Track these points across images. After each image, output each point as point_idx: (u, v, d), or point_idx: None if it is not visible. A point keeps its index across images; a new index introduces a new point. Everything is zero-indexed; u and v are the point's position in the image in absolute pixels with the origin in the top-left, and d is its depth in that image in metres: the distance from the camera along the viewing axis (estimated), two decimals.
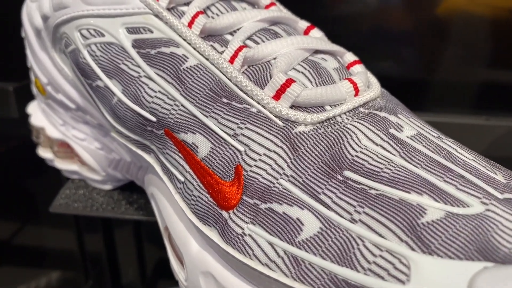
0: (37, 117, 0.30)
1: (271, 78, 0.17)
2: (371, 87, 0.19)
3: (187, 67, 0.18)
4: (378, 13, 0.41)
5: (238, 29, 0.19)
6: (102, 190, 0.28)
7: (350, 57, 0.20)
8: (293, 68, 0.18)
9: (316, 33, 0.21)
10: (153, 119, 0.19)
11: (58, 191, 0.29)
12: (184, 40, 0.19)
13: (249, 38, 0.19)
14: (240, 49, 0.18)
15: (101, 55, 0.20)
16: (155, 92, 0.19)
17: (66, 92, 0.26)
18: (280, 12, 0.20)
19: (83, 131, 0.27)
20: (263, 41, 0.19)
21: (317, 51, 0.19)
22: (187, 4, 0.20)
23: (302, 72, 0.18)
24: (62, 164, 0.29)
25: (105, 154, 0.27)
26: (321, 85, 0.18)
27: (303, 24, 0.21)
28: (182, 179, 0.18)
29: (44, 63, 0.27)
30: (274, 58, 0.18)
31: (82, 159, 0.28)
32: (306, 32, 0.21)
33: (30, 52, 0.28)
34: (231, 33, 0.19)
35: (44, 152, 0.31)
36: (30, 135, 0.36)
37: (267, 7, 0.22)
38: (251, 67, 0.18)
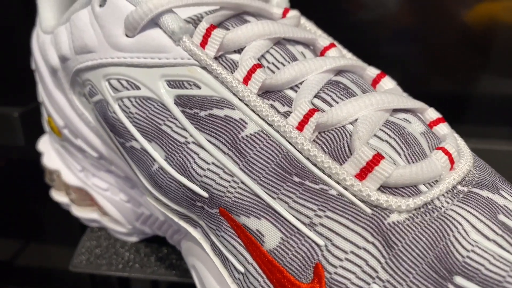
0: (51, 158, 0.27)
1: (350, 150, 0.14)
2: (463, 155, 0.16)
3: (246, 135, 0.15)
4: (404, 21, 0.38)
5: (300, 83, 0.16)
6: (127, 242, 0.25)
7: (432, 114, 0.17)
8: (375, 135, 0.15)
9: (389, 82, 0.18)
10: (205, 195, 0.16)
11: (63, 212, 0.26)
12: (240, 100, 0.16)
13: (316, 95, 0.16)
14: (310, 113, 0.15)
15: (137, 112, 0.17)
16: (208, 164, 0.16)
17: (87, 138, 0.23)
18: (346, 59, 0.17)
19: (106, 180, 0.24)
20: (334, 100, 0.16)
21: (396, 109, 0.16)
22: (239, 51, 0.17)
23: (386, 141, 0.15)
24: (80, 212, 0.26)
25: (133, 207, 0.24)
26: (411, 157, 0.15)
27: (372, 71, 0.18)
28: (241, 269, 0.15)
29: (59, 103, 0.23)
30: (351, 122, 0.15)
31: (104, 210, 0.25)
32: (377, 81, 0.18)
33: (43, 88, 0.25)
34: (292, 88, 0.16)
35: (58, 196, 0.27)
36: (36, 161, 0.33)
37: (326, 49, 0.18)
38: (323, 134, 0.15)
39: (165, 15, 0.17)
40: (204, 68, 0.16)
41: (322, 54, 0.18)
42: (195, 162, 0.16)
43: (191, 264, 0.19)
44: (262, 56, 0.17)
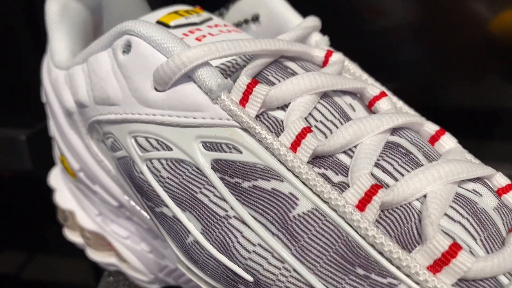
0: (64, 196, 0.25)
1: (419, 234, 0.13)
2: None
3: (298, 215, 0.13)
4: (423, 28, 0.35)
5: (355, 146, 0.14)
6: None
7: (501, 180, 0.15)
8: (446, 214, 0.13)
9: (449, 140, 0.16)
10: (250, 279, 0.14)
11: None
12: (290, 170, 0.14)
13: (376, 163, 0.14)
14: (373, 191, 0.13)
15: (169, 177, 0.15)
16: (254, 245, 0.14)
17: (106, 186, 0.21)
18: (403, 115, 0.15)
19: (126, 228, 0.22)
20: (397, 169, 0.14)
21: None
22: (282, 107, 0.15)
23: (459, 222, 0.13)
24: (97, 256, 0.24)
25: (155, 258, 0.22)
26: (488, 242, 0.13)
27: (431, 127, 0.16)
28: None
29: (74, 146, 0.22)
30: (418, 198, 0.13)
31: (123, 257, 0.23)
32: (436, 139, 0.16)
33: (55, 125, 0.23)
34: (346, 152, 0.14)
35: (72, 236, 0.26)
36: (44, 184, 0.31)
37: (376, 98, 0.16)
38: (387, 213, 0.13)
39: (200, 69, 0.15)
40: (245, 130, 0.14)
41: (371, 104, 0.16)
42: (238, 242, 0.14)
43: None
44: (309, 113, 0.15)
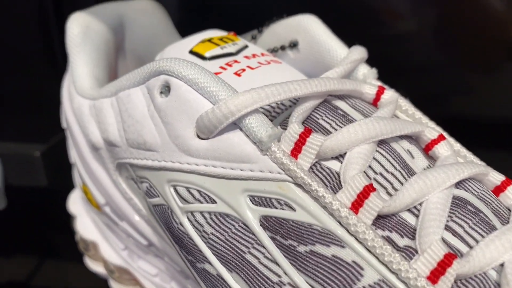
0: (86, 225, 0.24)
1: None
2: None
3: (364, 287, 0.12)
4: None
5: (420, 203, 0.13)
6: None
7: None
8: None
9: None
10: None
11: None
12: (352, 235, 0.12)
13: (447, 227, 0.13)
14: (447, 262, 0.12)
15: (213, 232, 0.14)
16: None
17: (135, 225, 0.20)
18: (469, 165, 0.14)
19: (155, 265, 0.21)
20: (468, 232, 0.13)
21: None
22: (338, 158, 0.14)
23: None
24: None
25: None
26: None
27: (496, 177, 0.15)
28: None
29: (100, 179, 0.20)
30: (495, 268, 0.12)
31: None
32: (502, 189, 0.15)
33: (77, 154, 0.22)
34: (411, 210, 0.13)
35: (95, 266, 0.25)
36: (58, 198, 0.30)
37: (434, 142, 0.15)
38: (459, 284, 0.12)
39: (249, 117, 0.13)
40: (299, 185, 0.13)
41: (428, 148, 0.15)
42: None
43: None
44: (369, 166, 0.14)
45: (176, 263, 0.19)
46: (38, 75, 0.36)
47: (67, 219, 0.27)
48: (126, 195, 0.19)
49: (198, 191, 0.14)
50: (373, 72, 0.17)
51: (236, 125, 0.14)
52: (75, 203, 0.26)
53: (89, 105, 0.19)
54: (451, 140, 0.16)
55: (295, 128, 0.13)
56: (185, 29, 0.28)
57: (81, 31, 0.22)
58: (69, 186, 0.35)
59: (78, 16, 0.22)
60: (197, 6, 0.35)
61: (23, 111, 0.37)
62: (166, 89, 0.15)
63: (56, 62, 0.36)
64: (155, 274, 0.21)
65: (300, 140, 0.13)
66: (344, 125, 0.15)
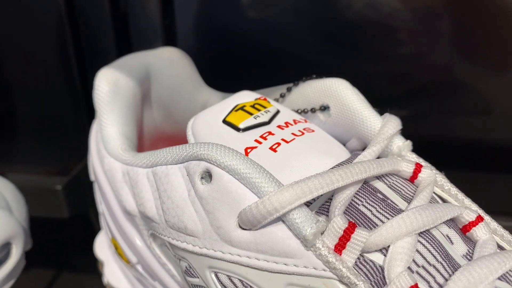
0: (115, 274, 0.24)
1: None
2: None
3: None
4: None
5: None
6: None
7: None
8: None
9: None
10: None
11: None
12: None
13: None
14: None
15: None
16: None
17: (168, 287, 0.20)
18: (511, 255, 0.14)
19: None
20: None
21: None
22: (382, 251, 0.14)
23: None
24: None
25: None
26: None
27: None
28: None
29: (132, 240, 0.21)
30: None
31: None
32: None
33: (107, 211, 0.22)
34: None
35: None
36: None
37: (472, 225, 0.15)
38: None
39: (293, 213, 0.13)
40: (345, 283, 0.13)
41: (466, 229, 0.15)
42: None
43: None
44: (413, 259, 0.14)
45: None
46: (57, 109, 0.36)
47: (93, 260, 0.27)
48: (160, 260, 0.19)
49: (241, 280, 0.14)
50: (408, 144, 0.17)
51: (279, 218, 0.14)
52: (101, 247, 0.26)
53: (122, 170, 0.19)
54: (487, 218, 0.16)
55: (339, 223, 0.14)
56: (208, 68, 0.28)
57: (110, 89, 0.22)
58: (91, 219, 0.36)
59: (106, 72, 0.22)
60: (220, 42, 0.35)
61: (42, 142, 0.37)
62: (207, 176, 0.15)
63: (76, 94, 0.36)
64: None
65: (345, 236, 0.13)
66: (385, 211, 0.15)
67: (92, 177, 0.23)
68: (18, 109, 0.37)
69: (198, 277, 0.16)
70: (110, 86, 0.22)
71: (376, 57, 0.35)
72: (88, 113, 0.37)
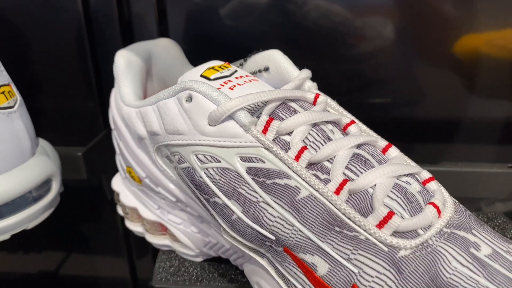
0: (128, 197, 0.34)
1: (372, 208, 0.22)
2: (447, 205, 0.23)
3: (300, 198, 0.23)
4: (396, 52, 0.45)
5: (334, 157, 0.24)
6: (194, 262, 0.33)
7: (425, 174, 0.24)
8: (388, 196, 0.22)
9: (394, 151, 0.25)
10: (273, 238, 0.23)
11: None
12: (294, 172, 0.23)
13: (346, 167, 0.23)
14: (344, 182, 0.22)
15: (220, 179, 0.25)
16: (275, 217, 0.23)
17: (167, 187, 0.30)
18: (363, 136, 0.25)
19: (180, 216, 0.31)
20: (359, 170, 0.23)
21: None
22: (289, 134, 0.24)
23: (395, 200, 0.22)
24: (154, 239, 0.34)
25: (202, 237, 0.31)
26: (412, 211, 0.22)
27: (382, 143, 0.25)
28: None
29: (142, 160, 0.31)
30: (371, 187, 0.22)
31: (177, 238, 0.32)
32: (386, 150, 0.25)
33: (124, 145, 0.33)
34: (329, 160, 0.24)
35: (134, 226, 0.35)
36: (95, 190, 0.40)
37: (348, 125, 0.26)
38: (353, 196, 0.22)
39: (238, 112, 0.24)
40: (267, 148, 0.24)
41: (345, 128, 0.26)
42: (265, 216, 0.23)
43: (255, 281, 0.27)
44: (306, 137, 0.24)
45: (195, 210, 0.30)
46: (77, 97, 0.47)
47: (107, 211, 0.37)
48: (160, 168, 0.29)
49: (210, 156, 0.25)
50: (314, 85, 0.28)
51: (230, 117, 0.24)
52: (117, 182, 0.36)
53: (135, 111, 0.30)
54: (360, 123, 0.27)
55: (264, 118, 0.24)
56: (194, 59, 0.38)
57: (124, 63, 0.32)
58: (105, 178, 0.46)
59: (122, 52, 0.33)
60: (202, 42, 0.46)
61: (68, 122, 0.48)
62: (189, 98, 0.25)
63: (90, 85, 0.46)
64: (180, 223, 0.31)
65: (267, 124, 0.24)
66: (293, 114, 0.25)
67: (112, 126, 0.34)
68: (46, 98, 0.47)
69: (185, 162, 0.26)
70: (125, 61, 0.32)
71: (330, 57, 0.46)
72: (100, 100, 0.48)
